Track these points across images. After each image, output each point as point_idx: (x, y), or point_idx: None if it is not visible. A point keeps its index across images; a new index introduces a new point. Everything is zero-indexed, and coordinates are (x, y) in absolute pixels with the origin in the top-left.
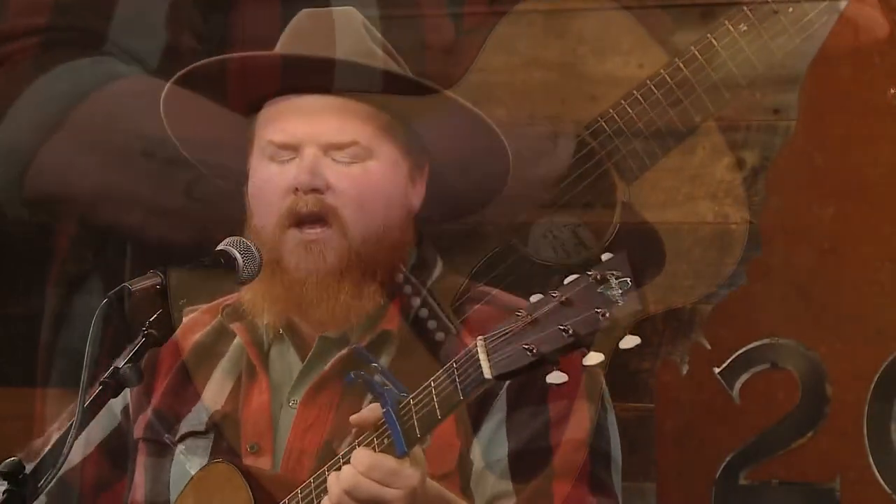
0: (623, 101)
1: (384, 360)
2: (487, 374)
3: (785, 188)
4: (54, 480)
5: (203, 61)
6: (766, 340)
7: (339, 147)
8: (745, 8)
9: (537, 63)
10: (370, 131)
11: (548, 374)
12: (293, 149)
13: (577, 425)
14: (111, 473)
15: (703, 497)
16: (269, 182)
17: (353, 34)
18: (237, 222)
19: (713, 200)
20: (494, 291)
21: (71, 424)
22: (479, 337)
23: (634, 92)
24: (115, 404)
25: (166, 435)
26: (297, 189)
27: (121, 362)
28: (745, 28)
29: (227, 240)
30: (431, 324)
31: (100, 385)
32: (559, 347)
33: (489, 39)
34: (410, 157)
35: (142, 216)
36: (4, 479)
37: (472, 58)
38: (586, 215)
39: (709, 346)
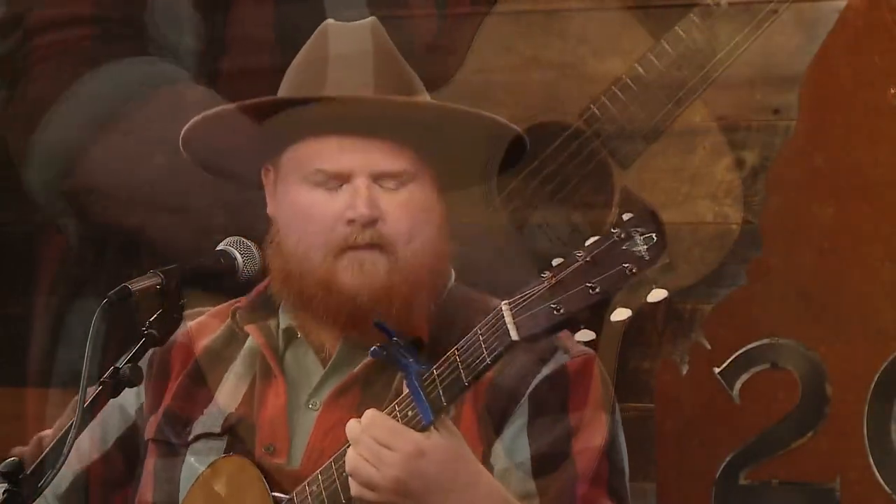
0: (613, 87)
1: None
2: (514, 335)
3: (785, 188)
4: (73, 478)
5: (252, 102)
6: (766, 340)
7: (392, 176)
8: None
9: (537, 63)
10: (414, 155)
11: (575, 332)
12: (344, 177)
13: (596, 433)
14: (126, 473)
15: (703, 497)
16: (316, 209)
17: (388, 58)
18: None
19: (713, 200)
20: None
21: (71, 424)
22: (504, 301)
23: (624, 76)
24: (130, 404)
25: (177, 437)
26: (352, 220)
27: (121, 362)
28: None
29: (228, 240)
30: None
31: (99, 385)
32: (587, 305)
33: (476, 39)
34: (441, 171)
35: (180, 222)
36: (4, 479)
37: (462, 57)
38: (584, 203)
39: (709, 346)
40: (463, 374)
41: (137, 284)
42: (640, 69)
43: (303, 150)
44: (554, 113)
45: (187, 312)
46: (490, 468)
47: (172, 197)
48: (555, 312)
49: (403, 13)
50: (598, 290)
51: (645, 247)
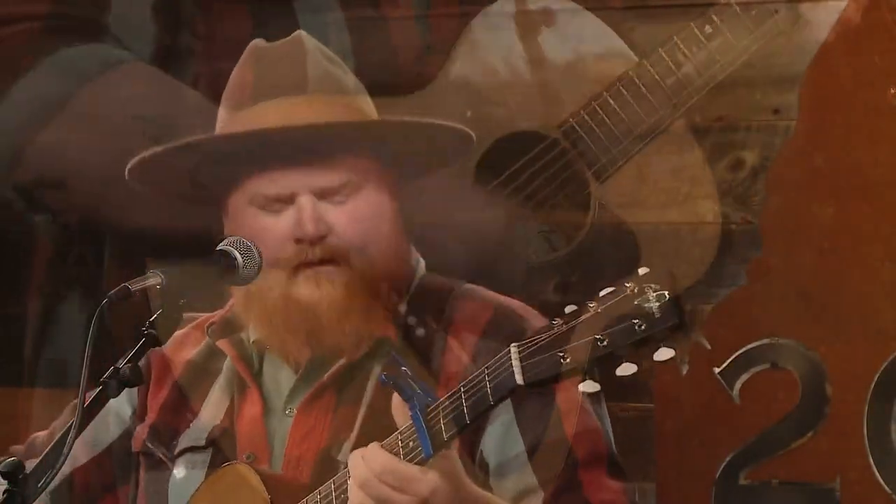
0: (593, 102)
1: (378, 368)
2: (519, 380)
3: (785, 188)
4: (59, 479)
5: (173, 146)
6: (766, 340)
7: (334, 191)
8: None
9: (537, 63)
10: (357, 163)
11: (579, 383)
12: (286, 199)
13: (587, 413)
14: (115, 477)
15: (703, 497)
16: (266, 232)
17: (321, 65)
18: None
19: (713, 200)
20: (478, 288)
21: (71, 424)
22: (514, 344)
23: (604, 93)
24: (125, 409)
25: (164, 450)
26: (300, 239)
27: (121, 362)
28: (710, 30)
29: (227, 239)
30: (419, 331)
31: (99, 385)
32: (594, 357)
33: (473, 39)
34: (391, 169)
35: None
36: (4, 479)
37: (447, 56)
38: (559, 215)
39: (709, 346)
40: (466, 412)
41: (137, 284)
42: (620, 84)
43: (244, 175)
44: (553, 114)
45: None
46: (484, 464)
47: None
48: (561, 361)
49: (389, 14)
50: (605, 343)
51: (657, 304)
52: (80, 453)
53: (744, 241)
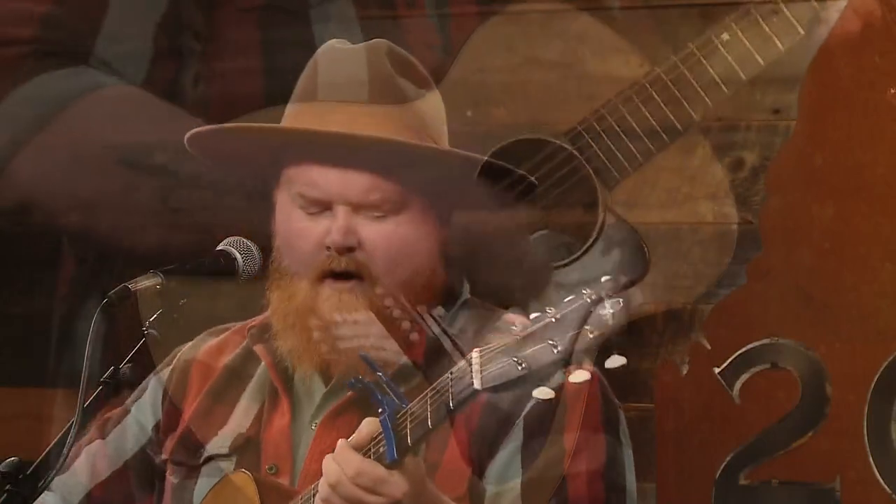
0: (601, 109)
1: (405, 390)
2: (477, 384)
3: (785, 188)
4: (81, 493)
5: (227, 126)
6: (766, 340)
7: (371, 207)
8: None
9: (537, 63)
10: (399, 185)
11: (534, 388)
12: (324, 205)
13: (593, 457)
14: (137, 490)
15: (703, 497)
16: (301, 235)
17: (381, 76)
18: (210, 232)
19: (713, 200)
20: (520, 318)
21: (71, 424)
22: (476, 349)
23: (613, 99)
24: (147, 420)
25: (192, 458)
26: (329, 248)
27: (121, 363)
28: (726, 37)
29: (227, 240)
30: (451, 356)
31: (99, 385)
32: (547, 363)
33: (474, 39)
34: (439, 200)
35: (114, 225)
36: (5, 479)
37: (454, 57)
38: (567, 220)
39: (709, 346)
40: (429, 417)
41: (137, 284)
42: (630, 91)
43: (293, 171)
44: (553, 114)
45: (211, 330)
46: (482, 490)
47: (107, 199)
48: (518, 367)
49: (399, 13)
50: (559, 348)
51: (610, 311)
52: (101, 466)
53: (744, 241)
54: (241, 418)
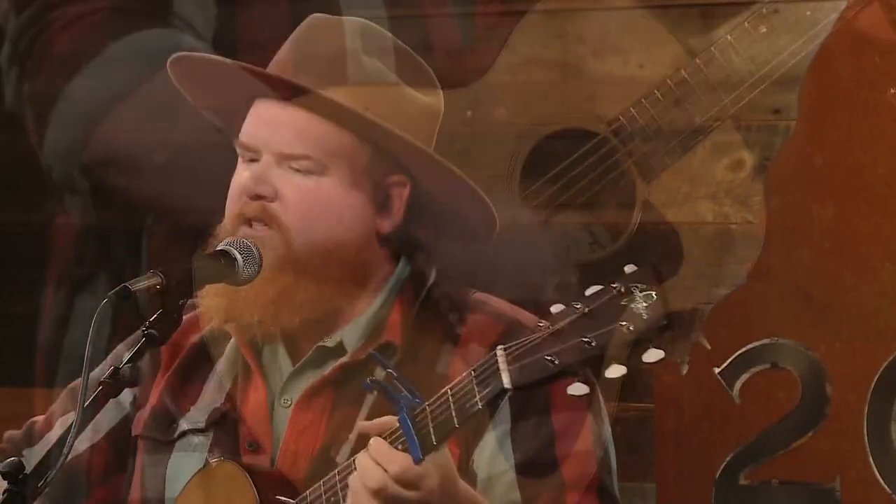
0: (644, 100)
1: (381, 372)
2: (507, 383)
3: (785, 188)
4: (58, 468)
5: (186, 54)
6: (766, 340)
7: (291, 158)
8: (763, 9)
9: (537, 63)
10: (327, 147)
11: (568, 385)
12: (255, 151)
13: (583, 436)
14: (115, 464)
15: (703, 497)
16: (234, 180)
17: (341, 52)
18: None
19: (713, 200)
20: (491, 299)
21: (71, 424)
22: (500, 347)
23: (655, 91)
24: (125, 396)
25: (164, 434)
26: (243, 194)
27: (121, 362)
28: (763, 29)
29: (227, 240)
30: (428, 339)
31: (99, 385)
32: (582, 359)
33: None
34: (375, 177)
35: (192, 193)
36: (4, 479)
37: (481, 59)
38: (604, 214)
39: (709, 346)
40: (455, 416)
41: (137, 284)
42: (671, 83)
43: (246, 121)
44: (553, 114)
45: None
46: (473, 474)
47: (187, 169)
48: (550, 364)
49: (417, 13)
50: (593, 344)
51: (644, 304)
52: (78, 441)
53: (744, 241)
54: (214, 394)
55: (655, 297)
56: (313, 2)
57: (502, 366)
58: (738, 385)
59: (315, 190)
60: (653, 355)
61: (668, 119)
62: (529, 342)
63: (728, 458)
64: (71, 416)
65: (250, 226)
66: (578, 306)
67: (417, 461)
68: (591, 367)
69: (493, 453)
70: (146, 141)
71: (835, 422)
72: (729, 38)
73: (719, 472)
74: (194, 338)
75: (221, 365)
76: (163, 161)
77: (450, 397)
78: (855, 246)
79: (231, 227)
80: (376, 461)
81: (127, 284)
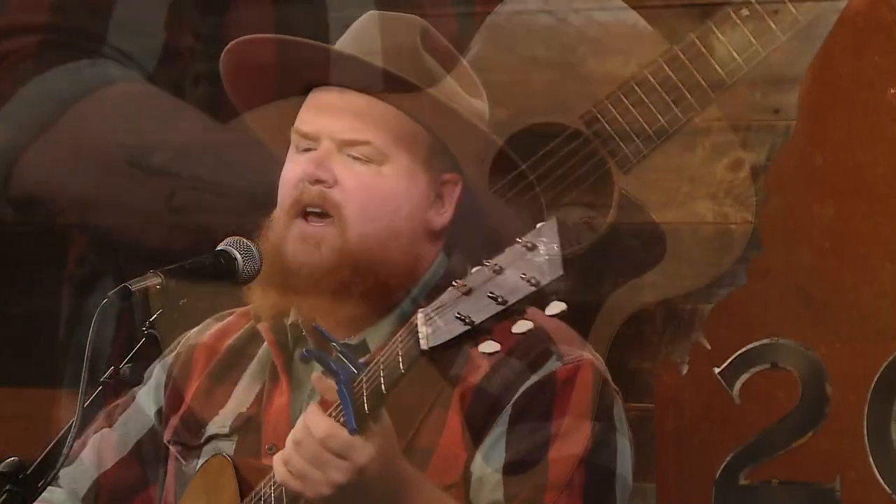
0: (618, 91)
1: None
2: (424, 344)
3: (785, 188)
4: (88, 484)
5: (251, 37)
6: (766, 340)
7: (352, 144)
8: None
9: (537, 63)
10: (388, 135)
11: (479, 343)
12: (313, 139)
13: (574, 441)
14: (143, 477)
15: (703, 497)
16: (288, 170)
17: (405, 49)
18: (212, 233)
19: (713, 200)
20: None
21: (71, 424)
22: (420, 309)
23: (630, 81)
24: (149, 406)
25: (193, 438)
26: (303, 179)
27: (122, 362)
28: (746, 13)
29: (227, 240)
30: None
31: (99, 385)
32: (490, 315)
33: (474, 38)
34: (432, 172)
35: (120, 222)
36: (5, 479)
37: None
38: (582, 203)
39: (709, 346)
40: (383, 383)
41: (137, 284)
42: (648, 73)
43: (298, 111)
44: (554, 113)
45: (216, 315)
46: (469, 476)
47: (112, 198)
48: (462, 322)
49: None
50: (500, 300)
51: (546, 258)
52: (106, 456)
53: (744, 241)
54: (242, 397)
55: (556, 249)
56: (298, 5)
57: (421, 328)
58: (738, 385)
59: (374, 178)
60: (554, 308)
61: (643, 108)
62: (443, 303)
63: (728, 458)
64: (102, 435)
65: (307, 220)
66: (488, 264)
67: (352, 432)
68: (500, 322)
69: (487, 454)
70: (67, 175)
71: (835, 422)
72: (710, 23)
73: (719, 472)
74: (228, 342)
75: (253, 367)
76: (83, 194)
77: (380, 365)
78: (855, 246)
79: (286, 218)
80: (306, 424)
81: (127, 284)
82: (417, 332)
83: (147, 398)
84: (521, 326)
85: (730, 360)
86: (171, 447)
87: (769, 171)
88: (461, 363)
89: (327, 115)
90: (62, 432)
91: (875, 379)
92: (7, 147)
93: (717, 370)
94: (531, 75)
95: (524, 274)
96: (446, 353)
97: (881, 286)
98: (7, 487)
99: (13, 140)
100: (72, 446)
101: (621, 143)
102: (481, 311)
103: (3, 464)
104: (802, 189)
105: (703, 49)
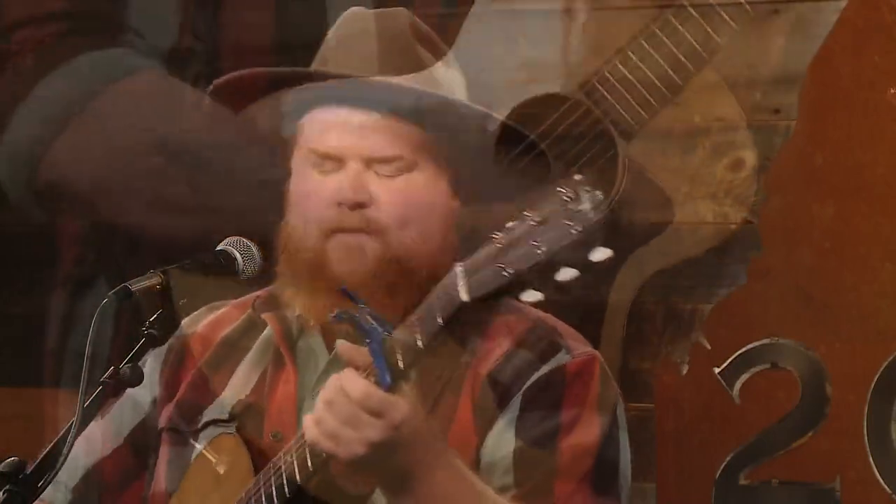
0: (615, 59)
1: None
2: (465, 296)
3: (785, 188)
4: (83, 473)
5: (247, 71)
6: (766, 340)
7: (384, 161)
8: None
9: (537, 63)
10: (413, 145)
11: (521, 293)
12: (336, 160)
13: (586, 432)
14: (137, 466)
15: (703, 497)
16: (313, 192)
17: (399, 42)
18: (239, 216)
19: (713, 200)
20: (521, 304)
21: (71, 424)
22: (459, 263)
23: (626, 48)
24: (144, 396)
25: (188, 425)
26: (341, 203)
27: (121, 362)
28: None
29: (227, 240)
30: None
31: (99, 385)
32: (533, 264)
33: (472, 37)
34: (451, 167)
35: (146, 212)
36: (4, 479)
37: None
38: (587, 175)
39: (709, 346)
40: (419, 338)
41: (137, 284)
42: (644, 41)
43: (307, 128)
44: (553, 114)
45: (210, 305)
46: (479, 461)
47: (140, 188)
48: (503, 273)
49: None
50: (542, 249)
51: (590, 205)
52: (102, 446)
53: (744, 241)
54: (240, 385)
55: (601, 196)
56: (298, 2)
57: (461, 280)
58: (738, 385)
59: (407, 188)
60: (600, 254)
61: (641, 74)
62: (484, 255)
63: (728, 458)
64: (93, 426)
65: (344, 233)
66: (528, 215)
67: (387, 388)
68: (542, 273)
69: (497, 440)
70: (93, 165)
71: (835, 422)
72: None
73: (719, 472)
74: (225, 331)
75: (251, 357)
76: (109, 184)
77: (415, 321)
78: (855, 246)
79: (320, 235)
80: (342, 386)
81: (127, 284)
82: (456, 283)
83: (141, 387)
84: (565, 274)
85: (730, 360)
86: (165, 434)
87: (769, 171)
88: (471, 352)
89: (349, 135)
90: (62, 432)
91: (875, 379)
92: (34, 137)
93: (717, 370)
94: (531, 75)
95: (568, 222)
96: (463, 328)
97: (881, 286)
98: (7, 487)
99: (41, 130)
100: (72, 446)
101: (622, 111)
102: (523, 260)
103: (3, 464)
104: (802, 189)
105: (693, 12)
